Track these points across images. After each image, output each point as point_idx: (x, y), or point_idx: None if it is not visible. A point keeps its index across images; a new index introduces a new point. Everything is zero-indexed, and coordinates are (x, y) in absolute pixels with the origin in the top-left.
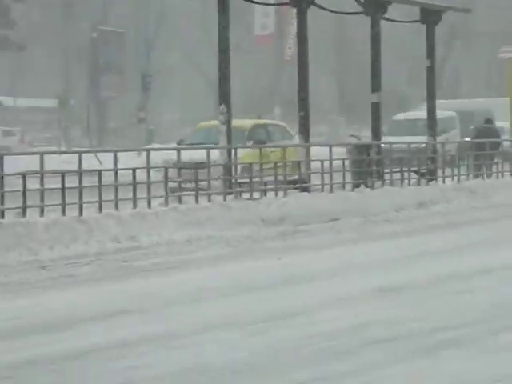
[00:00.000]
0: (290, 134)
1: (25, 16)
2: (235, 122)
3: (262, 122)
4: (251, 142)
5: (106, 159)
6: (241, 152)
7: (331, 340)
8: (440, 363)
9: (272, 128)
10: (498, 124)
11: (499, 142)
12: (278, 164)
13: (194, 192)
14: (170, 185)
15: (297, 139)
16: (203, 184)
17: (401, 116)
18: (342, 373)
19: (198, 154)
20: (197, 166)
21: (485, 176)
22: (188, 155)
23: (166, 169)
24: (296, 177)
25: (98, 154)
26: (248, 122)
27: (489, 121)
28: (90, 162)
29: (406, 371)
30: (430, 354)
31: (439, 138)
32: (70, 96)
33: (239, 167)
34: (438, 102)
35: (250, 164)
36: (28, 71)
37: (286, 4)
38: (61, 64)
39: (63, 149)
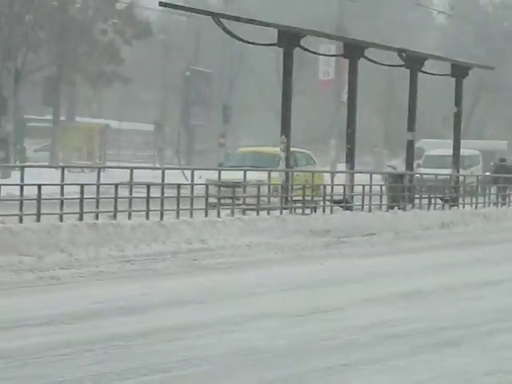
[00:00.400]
0: (314, 161)
1: (131, 55)
2: (268, 150)
3: (290, 149)
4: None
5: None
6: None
7: (356, 334)
8: (442, 357)
9: (299, 155)
10: None
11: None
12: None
13: (255, 206)
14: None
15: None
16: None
17: (433, 152)
18: (361, 361)
19: (236, 175)
20: (235, 184)
21: (498, 205)
22: (229, 175)
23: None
24: (341, 197)
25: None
26: (278, 149)
27: (503, 159)
28: (178, 177)
29: (414, 362)
30: (435, 350)
31: (465, 172)
32: (165, 122)
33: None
34: (466, 142)
35: (304, 185)
36: (132, 100)
37: (342, 55)
38: (159, 96)
39: (157, 166)
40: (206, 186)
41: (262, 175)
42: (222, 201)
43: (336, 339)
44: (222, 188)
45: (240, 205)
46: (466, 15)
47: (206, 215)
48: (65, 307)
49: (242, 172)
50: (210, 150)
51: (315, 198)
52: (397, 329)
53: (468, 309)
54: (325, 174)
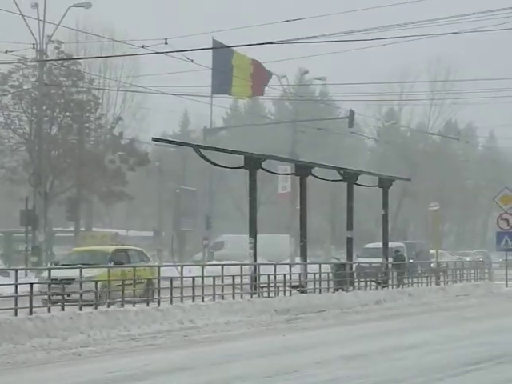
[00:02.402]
0: (148, 258)
1: (134, 178)
2: (101, 248)
3: (122, 247)
4: (112, 262)
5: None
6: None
7: None
8: None
9: (131, 252)
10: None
11: (430, 262)
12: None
13: (231, 292)
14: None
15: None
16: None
17: (368, 245)
18: None
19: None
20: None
21: (420, 284)
22: (61, 273)
23: None
24: (297, 283)
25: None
26: (111, 248)
27: (397, 251)
28: (172, 272)
29: None
30: None
31: (391, 260)
32: (162, 229)
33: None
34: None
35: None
36: (136, 213)
37: (294, 174)
38: (156, 209)
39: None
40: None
41: (92, 271)
42: (55, 297)
43: None
44: (52, 285)
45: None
46: (389, 139)
47: (193, 300)
48: (86, 377)
49: (76, 269)
50: (197, 250)
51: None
52: None
53: (398, 367)
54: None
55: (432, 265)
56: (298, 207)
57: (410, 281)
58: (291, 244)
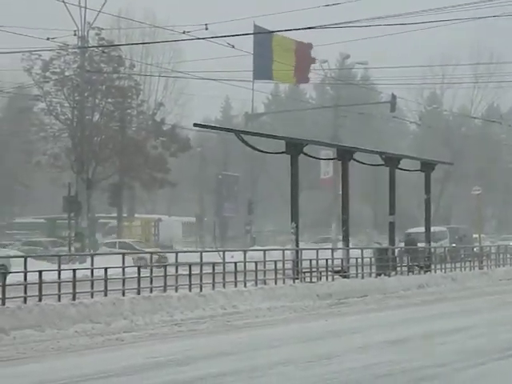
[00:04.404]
0: None
1: (176, 165)
2: None
3: None
4: None
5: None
6: None
7: (353, 374)
8: None
9: None
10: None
11: (473, 247)
12: None
13: (273, 277)
14: None
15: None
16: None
17: (411, 230)
18: None
19: None
20: None
21: (463, 269)
22: None
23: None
24: (340, 268)
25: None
26: None
27: (409, 234)
28: (214, 257)
29: None
30: None
31: (436, 245)
32: (204, 215)
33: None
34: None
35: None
36: (178, 199)
37: (335, 159)
38: (198, 195)
39: (199, 249)
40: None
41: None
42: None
43: (337, 379)
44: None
45: None
46: (431, 124)
47: (236, 286)
48: (129, 362)
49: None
50: (240, 236)
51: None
52: (385, 369)
53: (440, 351)
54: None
55: (475, 249)
56: (340, 192)
57: (453, 265)
58: (333, 229)
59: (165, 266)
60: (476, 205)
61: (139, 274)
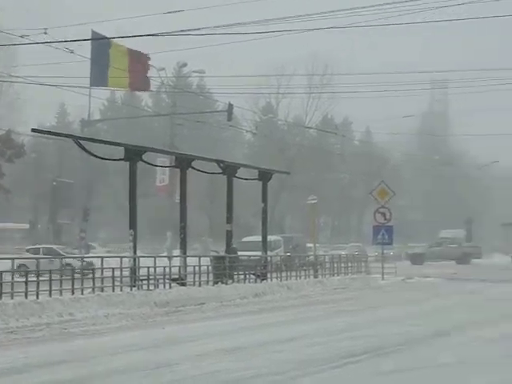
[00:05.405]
0: None
1: (10, 170)
2: None
3: None
4: None
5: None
6: None
7: (192, 383)
8: None
9: None
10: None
11: (307, 255)
12: None
13: (110, 285)
14: None
15: None
16: None
17: (246, 238)
18: None
19: None
20: None
21: (298, 277)
22: None
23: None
24: (177, 276)
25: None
26: None
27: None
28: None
29: None
30: None
31: (271, 253)
32: (38, 222)
33: None
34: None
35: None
36: (11, 206)
37: (174, 167)
38: (33, 201)
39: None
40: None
41: None
42: None
43: None
44: None
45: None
46: (267, 133)
47: (73, 293)
48: None
49: None
50: (74, 242)
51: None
52: (223, 377)
53: (277, 360)
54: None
55: (309, 258)
56: (177, 200)
57: (289, 274)
58: (169, 237)
59: (0, 273)
60: (310, 214)
61: None
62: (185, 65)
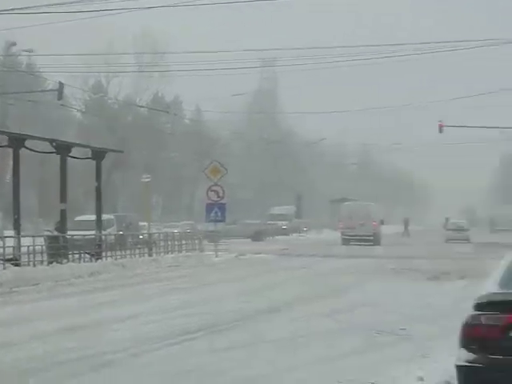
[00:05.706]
0: None
1: None
2: None
3: None
4: None
5: None
6: None
7: (31, 363)
8: (99, 376)
9: None
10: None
11: (140, 234)
12: None
13: None
14: None
15: None
16: None
17: (79, 218)
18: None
19: None
20: None
21: (132, 256)
22: None
23: None
24: (11, 256)
25: None
26: None
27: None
28: None
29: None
30: (94, 370)
31: (104, 232)
32: None
33: None
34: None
35: None
36: None
37: (6, 146)
38: None
39: None
40: None
41: None
42: None
43: (17, 368)
44: None
45: None
46: (97, 112)
47: None
48: None
49: None
50: None
51: None
52: (65, 356)
53: (116, 338)
54: None
55: (142, 236)
56: (8, 180)
57: (123, 252)
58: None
59: None
60: (143, 193)
61: None
62: (14, 44)
